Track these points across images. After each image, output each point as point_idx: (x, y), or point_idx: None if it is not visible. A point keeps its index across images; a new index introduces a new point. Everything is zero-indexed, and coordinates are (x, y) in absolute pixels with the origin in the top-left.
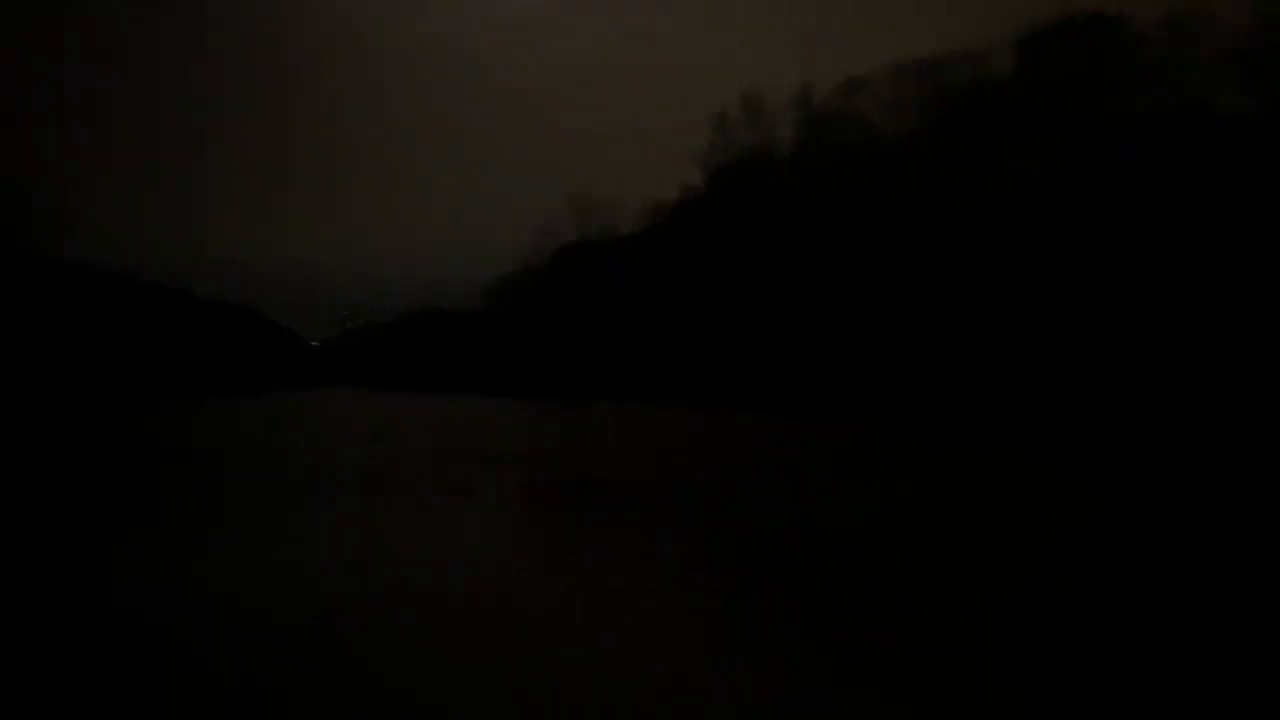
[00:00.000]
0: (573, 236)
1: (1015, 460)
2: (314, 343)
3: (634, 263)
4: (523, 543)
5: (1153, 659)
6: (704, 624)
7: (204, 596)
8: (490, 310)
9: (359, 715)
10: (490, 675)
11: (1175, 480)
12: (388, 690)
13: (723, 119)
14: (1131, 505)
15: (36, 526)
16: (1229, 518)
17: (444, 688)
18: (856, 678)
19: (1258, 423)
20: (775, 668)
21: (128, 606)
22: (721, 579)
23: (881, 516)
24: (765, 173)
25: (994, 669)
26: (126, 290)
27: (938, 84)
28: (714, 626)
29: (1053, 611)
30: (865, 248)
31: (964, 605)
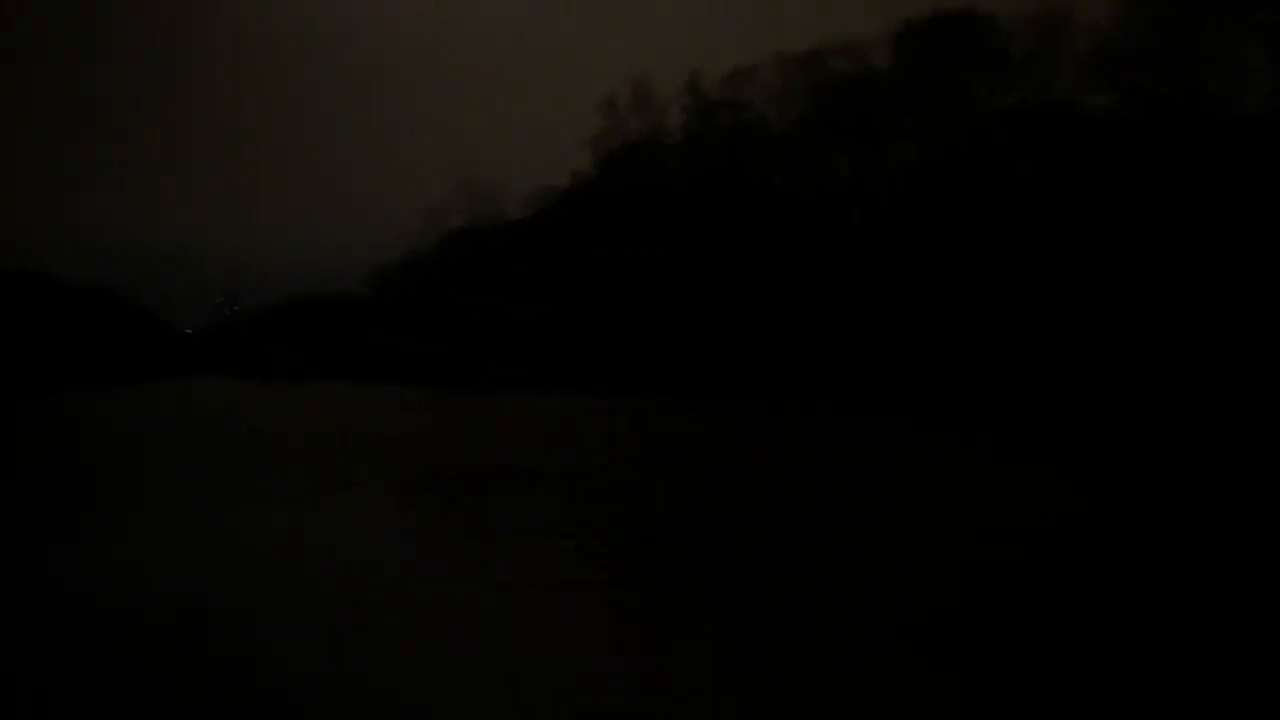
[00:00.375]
0: (461, 221)
1: (927, 444)
2: (188, 330)
3: (525, 247)
4: (397, 535)
5: (1070, 667)
6: (581, 622)
7: (46, 600)
8: (376, 295)
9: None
10: (350, 679)
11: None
12: (243, 692)
13: (612, 106)
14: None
15: None
16: (1203, 527)
17: (299, 690)
18: (742, 673)
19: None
20: (654, 660)
21: None
22: (597, 572)
23: (788, 503)
24: (655, 159)
25: (865, 664)
26: None
27: (821, 75)
28: (594, 627)
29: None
30: (752, 232)
31: (857, 595)
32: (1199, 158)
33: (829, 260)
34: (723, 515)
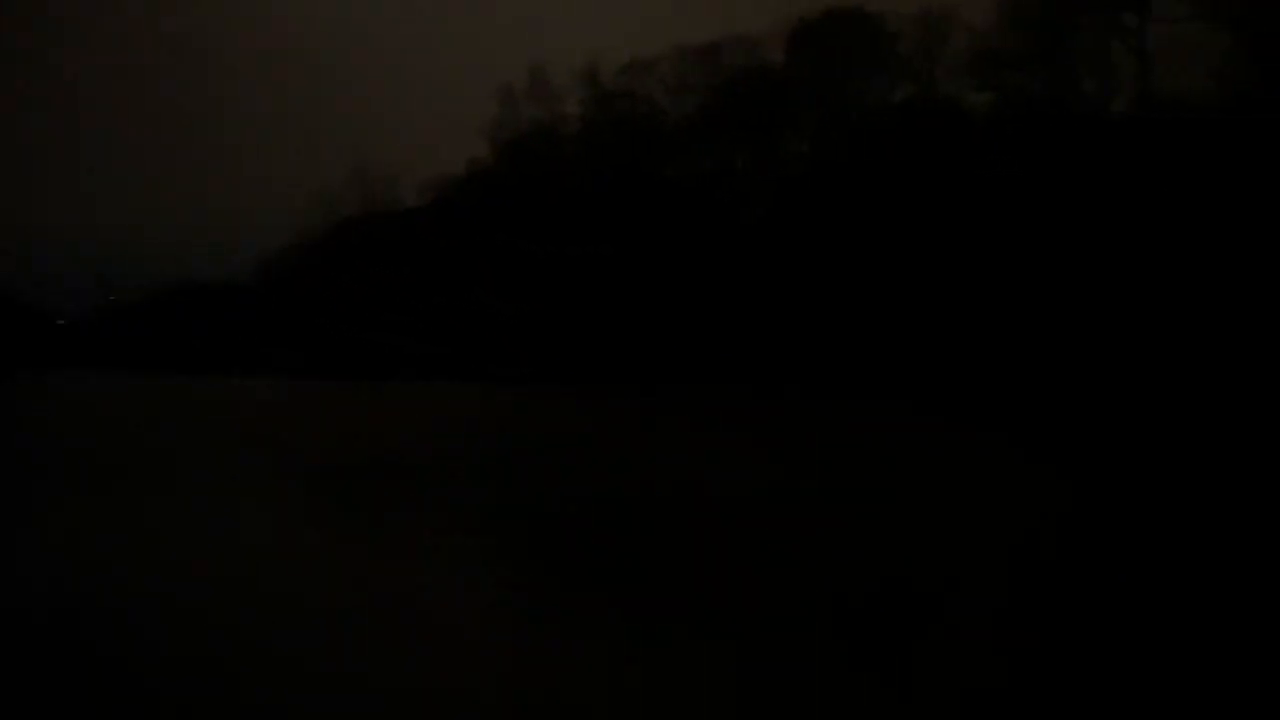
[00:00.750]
0: (354, 210)
1: (834, 425)
2: (60, 321)
3: (423, 236)
4: (293, 537)
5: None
6: (487, 626)
7: None
8: (263, 285)
9: None
10: (237, 689)
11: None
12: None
13: (509, 93)
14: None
15: None
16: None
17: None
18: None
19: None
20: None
21: None
22: (505, 571)
23: (697, 492)
24: (553, 148)
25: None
26: None
27: (718, 68)
28: (500, 632)
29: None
30: (650, 220)
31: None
32: (1070, 156)
33: (725, 253)
34: (641, 506)
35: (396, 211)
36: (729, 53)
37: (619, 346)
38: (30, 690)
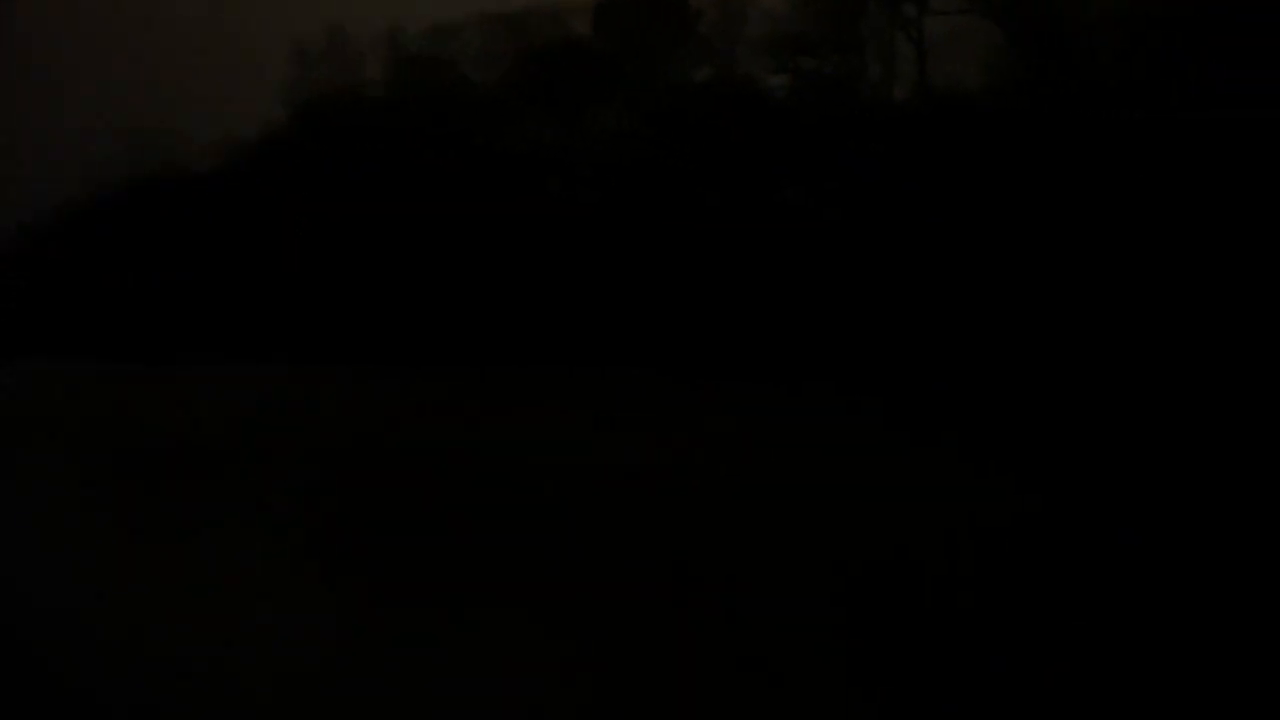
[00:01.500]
0: (131, 173)
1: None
2: None
3: (209, 202)
4: (88, 534)
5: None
6: (297, 610)
7: None
8: (25, 258)
9: None
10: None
11: None
12: None
13: (304, 54)
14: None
15: None
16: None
17: None
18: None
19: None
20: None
21: None
22: (316, 560)
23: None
24: (353, 112)
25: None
26: None
27: (524, 38)
28: (310, 616)
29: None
30: (457, 190)
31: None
32: (860, 140)
33: (533, 226)
34: (451, 488)
35: (181, 176)
36: (536, 23)
37: (426, 323)
38: None
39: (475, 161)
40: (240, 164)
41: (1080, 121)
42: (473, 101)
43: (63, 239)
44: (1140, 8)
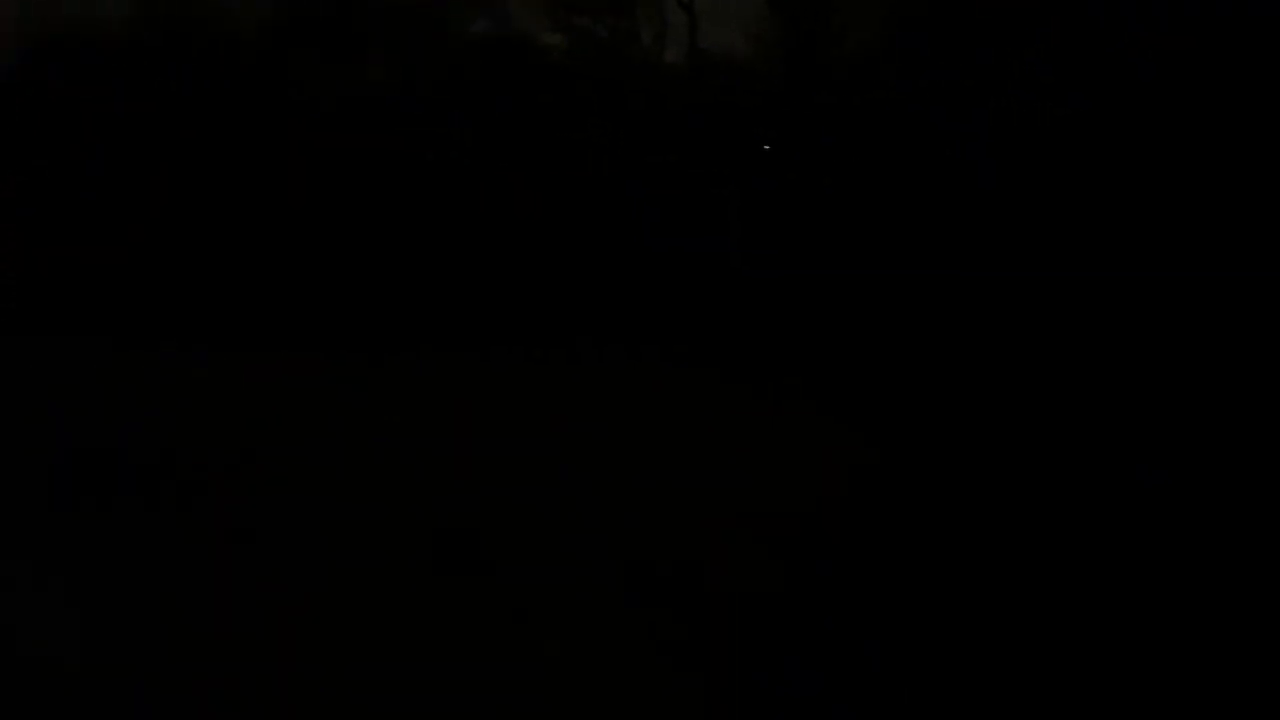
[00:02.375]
0: None
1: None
2: None
3: None
4: None
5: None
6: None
7: None
8: None
9: None
10: None
11: None
12: None
13: None
14: None
15: None
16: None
17: None
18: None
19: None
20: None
21: None
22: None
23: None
24: (94, 55)
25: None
26: None
27: None
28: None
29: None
30: (215, 144)
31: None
32: (633, 102)
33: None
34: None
35: None
36: None
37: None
38: None
39: (238, 111)
40: None
41: (834, 91)
42: (236, 49)
43: None
44: None
